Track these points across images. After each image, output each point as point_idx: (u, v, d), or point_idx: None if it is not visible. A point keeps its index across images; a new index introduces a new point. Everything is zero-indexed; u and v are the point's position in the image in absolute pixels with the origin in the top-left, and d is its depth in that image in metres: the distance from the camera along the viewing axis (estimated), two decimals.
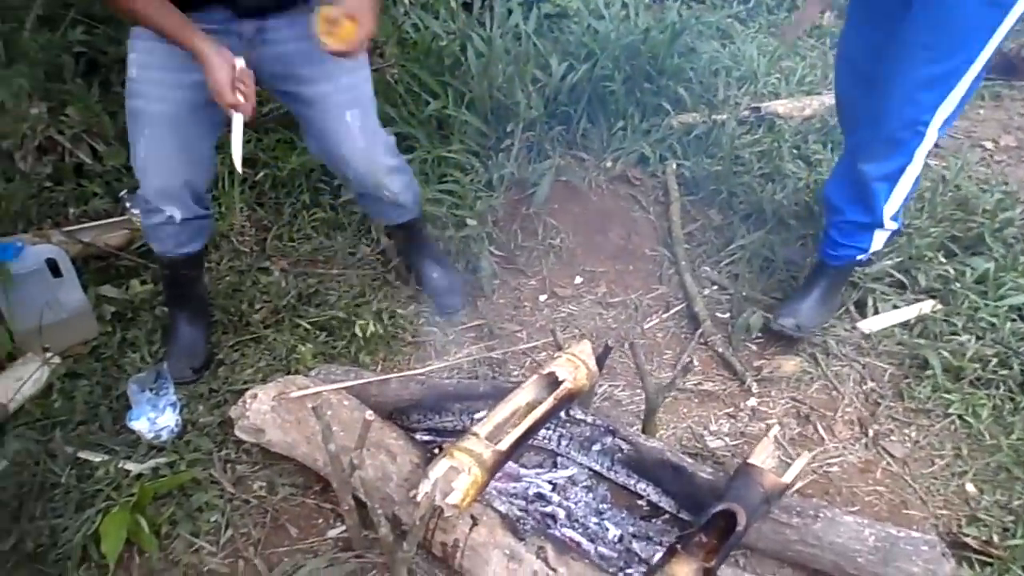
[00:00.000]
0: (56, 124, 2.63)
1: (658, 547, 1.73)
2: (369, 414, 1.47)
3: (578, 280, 2.59)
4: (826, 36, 4.03)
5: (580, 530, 1.75)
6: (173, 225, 1.90)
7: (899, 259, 2.52)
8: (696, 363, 2.26)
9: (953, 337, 2.28)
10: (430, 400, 1.93)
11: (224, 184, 2.66)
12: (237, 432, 1.84)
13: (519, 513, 1.71)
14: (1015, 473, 1.94)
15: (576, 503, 1.81)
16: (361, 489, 1.60)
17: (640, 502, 1.86)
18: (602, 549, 1.71)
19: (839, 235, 2.24)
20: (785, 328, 2.26)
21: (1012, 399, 2.11)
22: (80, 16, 2.74)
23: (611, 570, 1.65)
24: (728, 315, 2.45)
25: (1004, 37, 1.86)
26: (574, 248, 2.67)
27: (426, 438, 1.95)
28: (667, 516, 1.82)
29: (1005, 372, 2.16)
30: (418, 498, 1.49)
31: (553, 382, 1.76)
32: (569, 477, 1.87)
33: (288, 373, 2.08)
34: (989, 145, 3.37)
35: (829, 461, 1.99)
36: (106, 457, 1.83)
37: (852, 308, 2.42)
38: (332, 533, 1.73)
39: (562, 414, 1.86)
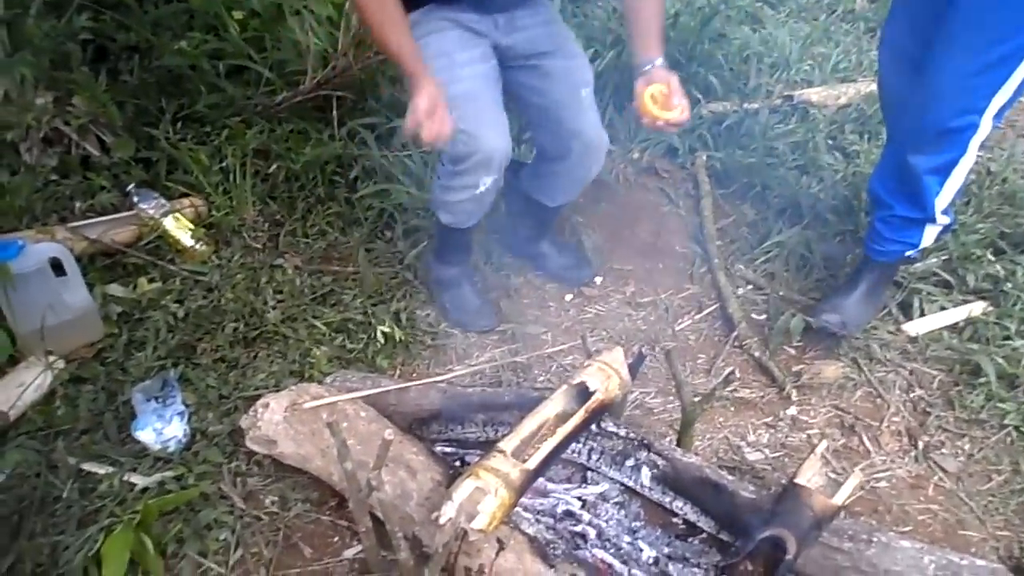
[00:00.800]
0: (62, 114, 2.52)
1: (695, 569, 1.62)
2: (388, 433, 1.35)
3: (604, 279, 2.47)
4: (859, 21, 3.86)
5: (612, 551, 1.64)
6: (487, 194, 1.97)
7: (945, 257, 2.39)
8: (735, 372, 2.13)
9: (1006, 342, 2.14)
10: (452, 410, 1.82)
11: (235, 177, 2.55)
12: (248, 443, 1.74)
13: (548, 535, 1.60)
14: None
15: (607, 521, 1.70)
16: (379, 509, 1.49)
17: (675, 519, 1.74)
18: (636, 572, 1.60)
19: (887, 230, 2.10)
20: (829, 324, 2.13)
21: None
22: (87, 1, 2.63)
23: None
24: (764, 316, 2.32)
25: None
26: (600, 245, 2.54)
27: (448, 450, 1.84)
28: (704, 535, 1.70)
29: None
30: (441, 521, 1.39)
31: (583, 392, 1.64)
32: (600, 493, 1.76)
33: (303, 378, 1.99)
34: None
35: (877, 476, 1.87)
36: (111, 469, 1.73)
37: (896, 310, 2.28)
38: (348, 553, 1.63)
39: (592, 426, 1.75)
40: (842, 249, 2.46)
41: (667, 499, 1.72)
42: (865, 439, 1.96)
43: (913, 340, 2.20)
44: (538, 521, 1.67)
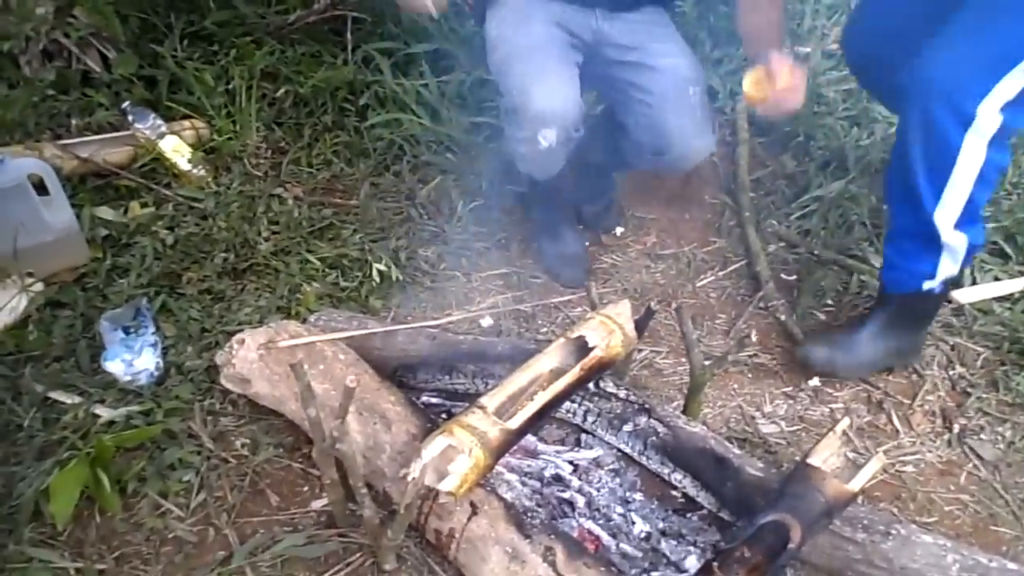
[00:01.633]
0: (62, 26, 2.40)
1: (690, 548, 1.48)
2: (351, 380, 1.22)
3: (624, 228, 2.29)
4: None
5: (601, 522, 1.51)
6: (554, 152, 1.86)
7: (1003, 223, 2.16)
8: (753, 333, 1.95)
9: None
10: (440, 358, 1.69)
11: (240, 100, 2.41)
12: (222, 381, 1.63)
13: (527, 503, 1.47)
14: None
15: (599, 489, 1.56)
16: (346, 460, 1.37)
17: (674, 492, 1.60)
18: (625, 546, 1.47)
19: (893, 252, 1.75)
20: (810, 358, 1.81)
21: None
22: None
23: (633, 572, 1.41)
24: (794, 277, 2.13)
25: None
26: (621, 189, 2.35)
27: (434, 400, 1.72)
28: (704, 512, 1.56)
29: None
30: (408, 480, 1.26)
31: (582, 347, 1.49)
32: (594, 459, 1.62)
33: (289, 315, 1.87)
34: None
35: (903, 458, 1.69)
36: (78, 399, 1.64)
37: None
38: (316, 505, 1.52)
39: (590, 386, 1.60)
40: None
41: (666, 470, 1.58)
42: (894, 417, 1.78)
43: (959, 312, 2.00)
44: (524, 484, 1.55)
